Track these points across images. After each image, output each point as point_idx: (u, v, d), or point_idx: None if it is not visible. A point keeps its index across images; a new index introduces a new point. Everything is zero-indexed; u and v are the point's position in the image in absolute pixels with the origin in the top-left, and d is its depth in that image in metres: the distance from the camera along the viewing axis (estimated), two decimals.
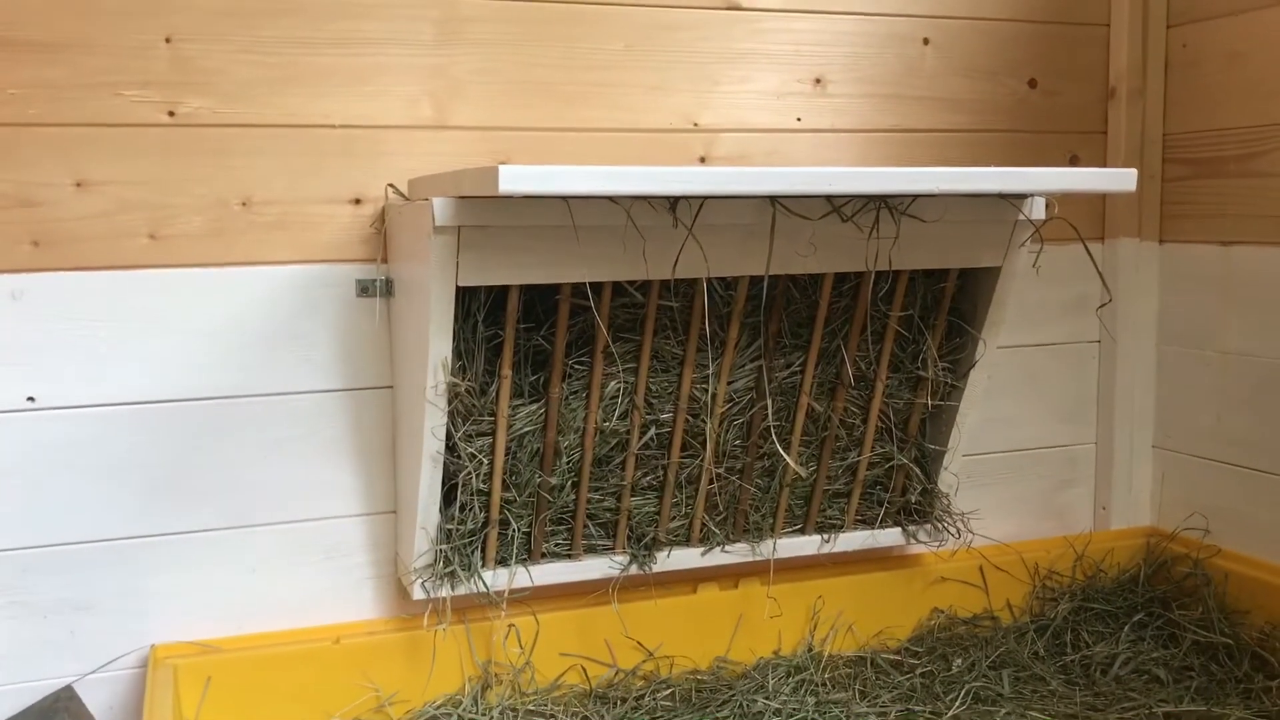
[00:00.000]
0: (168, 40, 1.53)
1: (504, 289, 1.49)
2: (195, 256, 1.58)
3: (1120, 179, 1.44)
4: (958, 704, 1.74)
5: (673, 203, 1.42)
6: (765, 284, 1.56)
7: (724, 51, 1.79)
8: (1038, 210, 1.65)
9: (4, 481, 1.52)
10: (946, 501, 1.84)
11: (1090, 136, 2.03)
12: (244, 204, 1.59)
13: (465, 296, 1.48)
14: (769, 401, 1.65)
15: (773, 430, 1.66)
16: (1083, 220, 2.03)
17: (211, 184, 1.57)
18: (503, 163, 1.67)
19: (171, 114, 1.55)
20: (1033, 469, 2.09)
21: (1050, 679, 1.84)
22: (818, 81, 1.84)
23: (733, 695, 1.77)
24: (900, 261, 1.60)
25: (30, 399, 1.53)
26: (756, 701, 1.75)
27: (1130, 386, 2.07)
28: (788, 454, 1.67)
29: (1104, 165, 2.03)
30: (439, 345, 1.45)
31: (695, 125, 1.79)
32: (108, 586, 1.59)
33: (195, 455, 1.60)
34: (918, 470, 1.80)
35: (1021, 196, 1.61)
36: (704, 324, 1.57)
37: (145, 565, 1.60)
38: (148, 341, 1.57)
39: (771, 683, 1.79)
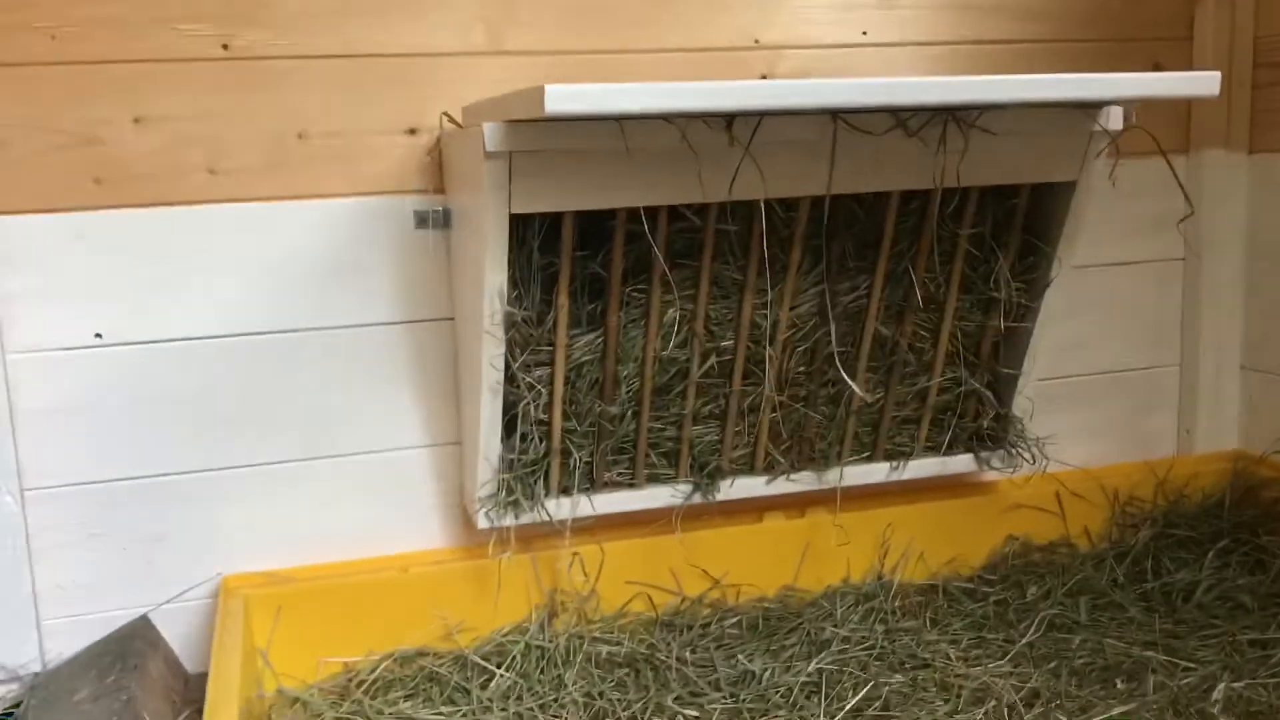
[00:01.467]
0: None
1: (558, 216, 1.46)
2: (254, 190, 1.58)
3: (1202, 83, 1.36)
4: (1032, 631, 1.71)
5: (729, 120, 1.38)
6: (826, 205, 1.51)
7: None
8: (1114, 121, 1.57)
9: (76, 418, 1.55)
10: (1020, 427, 1.79)
11: (1174, 44, 1.93)
12: (300, 136, 1.58)
13: (520, 225, 1.45)
14: (833, 327, 1.61)
15: (837, 356, 1.62)
16: (1165, 131, 1.94)
17: (267, 117, 1.57)
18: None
19: (225, 47, 1.54)
20: (1114, 393, 2.02)
21: (1129, 606, 1.79)
22: None
23: (800, 623, 1.75)
24: (969, 177, 1.54)
25: (98, 335, 1.55)
26: (825, 629, 1.73)
27: (1216, 305, 1.99)
28: (853, 380, 1.63)
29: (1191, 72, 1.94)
30: (494, 274, 1.43)
31: (757, 42, 1.74)
32: (180, 519, 1.62)
33: (260, 389, 1.62)
34: (990, 395, 1.75)
35: (1097, 106, 1.54)
36: (764, 248, 1.53)
37: (216, 498, 1.63)
38: (209, 277, 1.58)
39: (840, 611, 1.78)
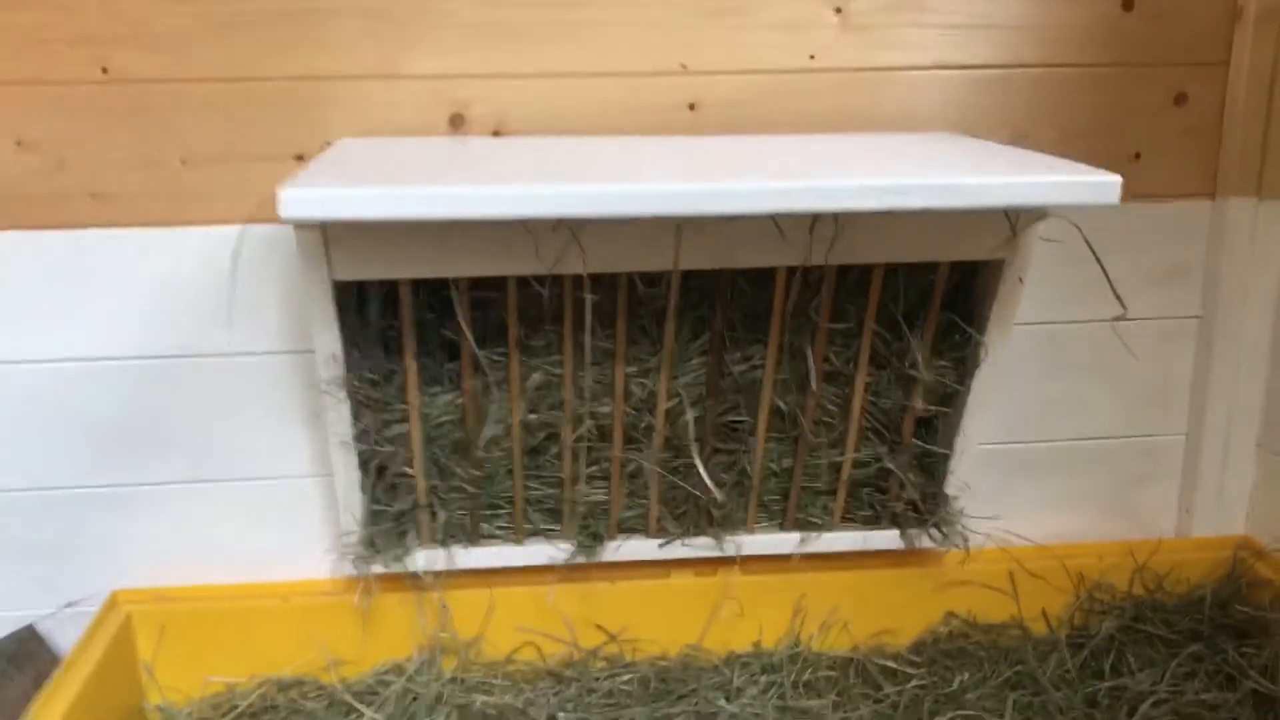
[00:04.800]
0: None
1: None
2: (137, 216, 1.55)
3: (1101, 190, 1.14)
4: None
5: None
6: (676, 281, 1.37)
7: None
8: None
9: None
10: (952, 508, 1.62)
11: (1205, 69, 1.63)
12: (184, 162, 1.53)
13: (356, 286, 1.38)
14: (691, 420, 1.48)
15: (695, 450, 1.49)
16: (1189, 173, 1.68)
17: (149, 142, 1.52)
18: (458, 114, 1.55)
19: (105, 70, 1.49)
20: (1106, 461, 1.80)
21: (1066, 712, 1.62)
22: (838, 10, 1.56)
23: (693, 690, 1.66)
24: (865, 254, 1.36)
25: None
26: (716, 700, 1.64)
27: (1234, 372, 1.72)
28: (704, 468, 1.50)
29: (1222, 106, 1.64)
30: (325, 340, 1.37)
31: (684, 67, 1.56)
32: (74, 532, 1.65)
33: (149, 411, 1.62)
34: (912, 477, 1.58)
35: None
36: (627, 320, 1.40)
37: (110, 513, 1.65)
38: (96, 300, 1.57)
39: (737, 681, 1.67)
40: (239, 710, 1.63)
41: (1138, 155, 1.65)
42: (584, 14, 1.53)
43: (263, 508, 1.67)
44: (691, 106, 1.58)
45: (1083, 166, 1.19)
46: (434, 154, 1.36)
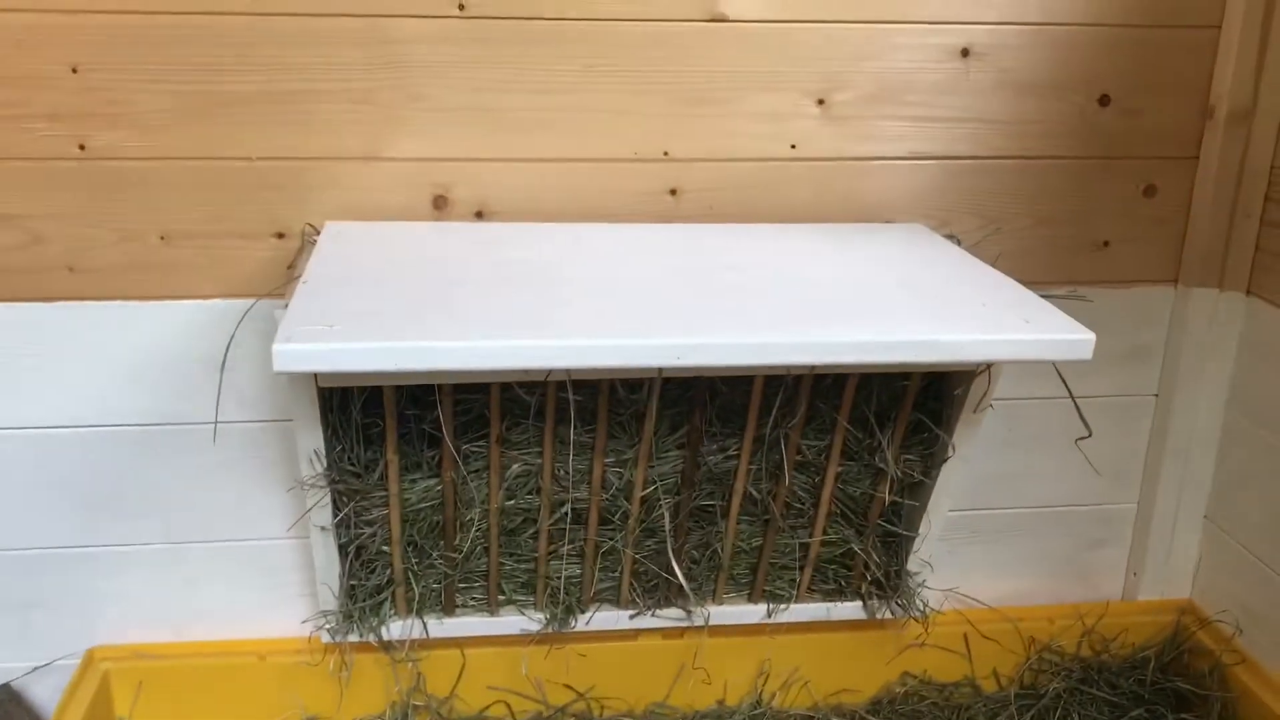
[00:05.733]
0: (74, 70, 1.44)
1: None
2: (115, 289, 1.55)
3: (1073, 348, 1.18)
4: None
5: None
6: (654, 393, 1.40)
7: (703, 71, 1.54)
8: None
9: None
10: (916, 582, 1.68)
11: (1174, 163, 1.67)
12: (162, 238, 1.53)
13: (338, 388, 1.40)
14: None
15: (672, 549, 1.54)
16: (1155, 261, 1.72)
17: (128, 217, 1.52)
18: (441, 196, 1.55)
19: (82, 147, 1.48)
20: (1059, 527, 1.86)
21: None
22: (820, 102, 1.57)
23: None
24: (841, 363, 1.40)
25: None
26: None
27: (1186, 449, 1.79)
28: (676, 562, 1.55)
29: (1189, 199, 1.68)
30: (307, 438, 1.39)
31: (666, 154, 1.57)
32: (53, 589, 1.67)
33: (131, 476, 1.63)
34: (876, 557, 1.64)
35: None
36: (608, 419, 1.44)
37: (89, 572, 1.67)
38: (75, 369, 1.57)
39: None
40: None
41: (1106, 243, 1.69)
42: (568, 100, 1.53)
43: (240, 568, 1.70)
44: (673, 192, 1.60)
45: (1058, 318, 1.22)
46: (419, 259, 1.36)
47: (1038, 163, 1.65)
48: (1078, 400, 1.55)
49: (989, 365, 1.42)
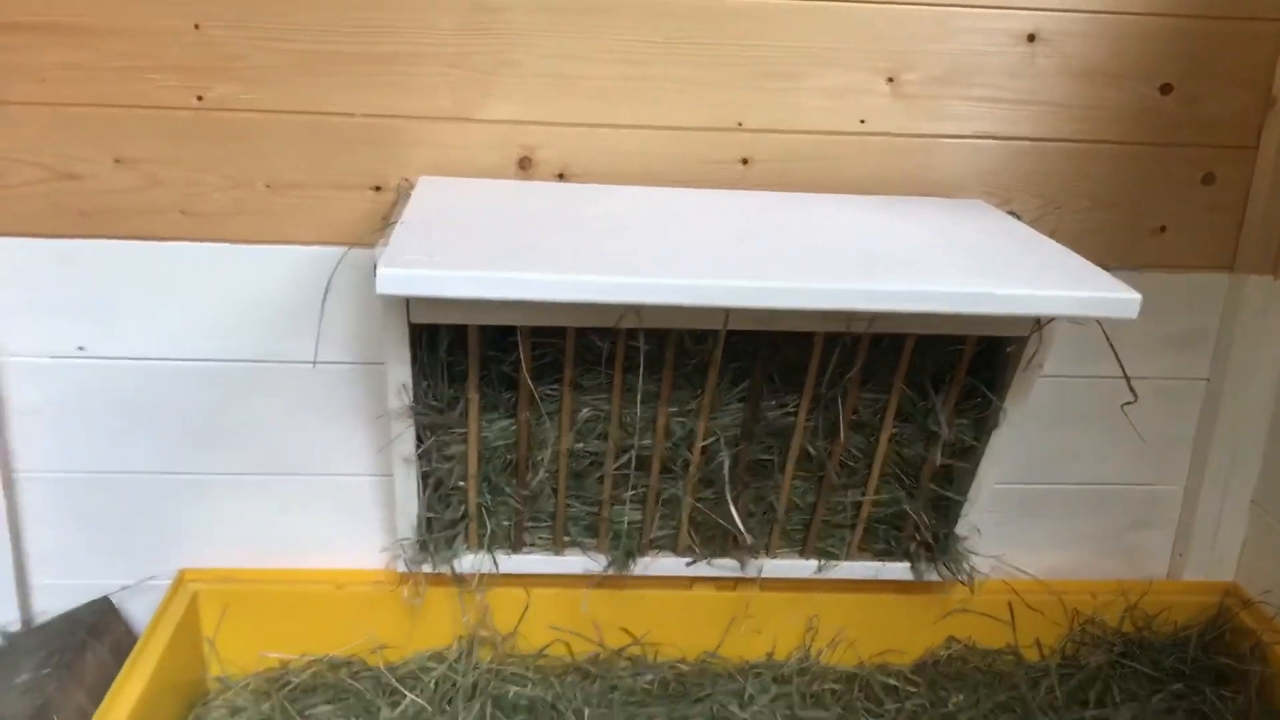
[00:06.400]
0: (196, 26, 1.57)
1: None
2: (223, 232, 1.67)
3: (1119, 306, 1.25)
4: None
5: None
6: (719, 344, 1.48)
7: (779, 46, 1.62)
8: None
9: (60, 417, 1.73)
10: (963, 548, 1.74)
11: (1233, 152, 1.72)
12: (268, 186, 1.65)
13: (428, 326, 1.50)
14: (727, 465, 1.60)
15: (730, 501, 1.61)
16: (1210, 248, 1.77)
17: (237, 165, 1.64)
18: (526, 158, 1.65)
19: (200, 99, 1.60)
20: (1107, 505, 1.92)
21: None
22: (890, 80, 1.65)
23: (709, 695, 1.81)
24: (899, 326, 1.47)
25: (80, 348, 1.70)
26: (729, 707, 1.79)
27: (1235, 433, 1.84)
28: (735, 511, 1.63)
29: (1248, 188, 1.73)
30: (397, 372, 1.49)
31: (739, 125, 1.66)
32: (152, 512, 1.79)
33: (228, 409, 1.75)
34: (926, 519, 1.71)
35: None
36: (674, 370, 1.53)
37: (186, 497, 1.79)
38: (181, 306, 1.69)
39: (750, 690, 1.82)
40: (291, 685, 1.78)
41: (1163, 229, 1.75)
42: (648, 71, 1.62)
43: (323, 501, 1.81)
44: (744, 161, 1.68)
45: (1105, 278, 1.29)
46: (506, 211, 1.46)
47: (1098, 147, 1.71)
48: (1129, 379, 1.62)
49: (1039, 326, 1.48)
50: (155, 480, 1.78)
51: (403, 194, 1.63)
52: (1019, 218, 1.66)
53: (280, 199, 1.66)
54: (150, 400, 1.74)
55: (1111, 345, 1.48)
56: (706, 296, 1.22)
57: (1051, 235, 1.69)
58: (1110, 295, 1.25)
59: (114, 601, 1.81)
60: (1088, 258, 1.68)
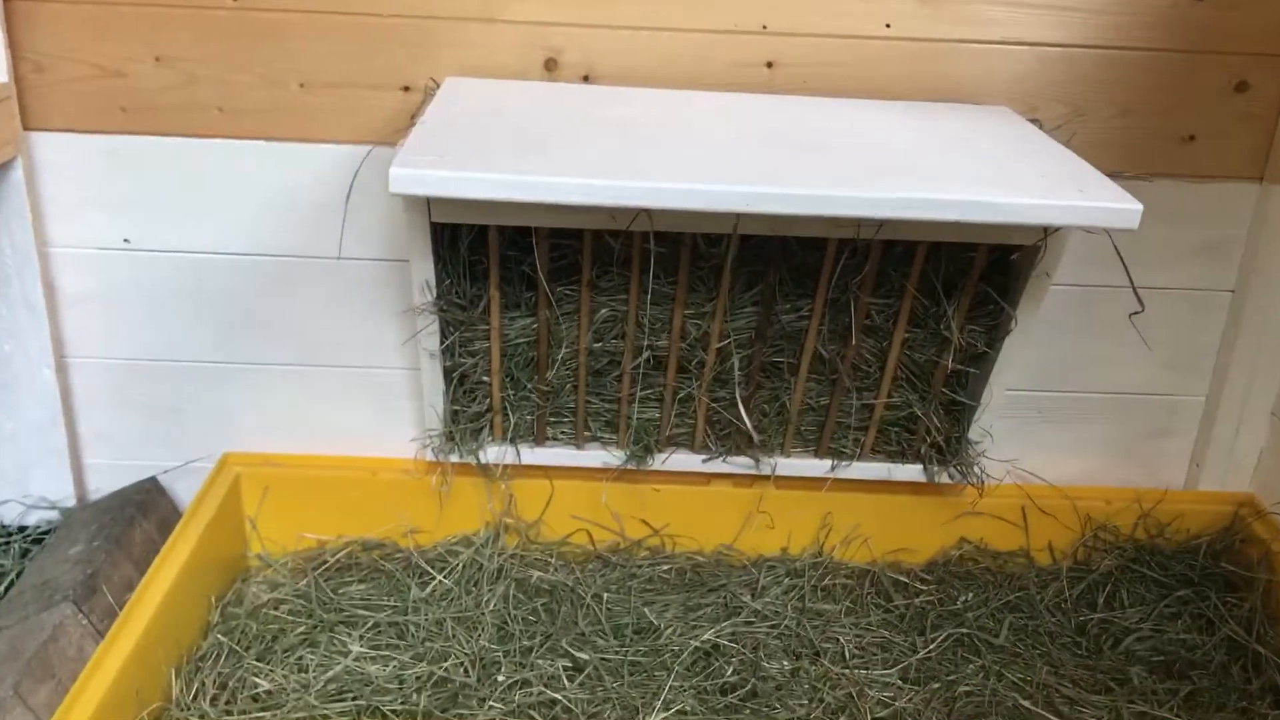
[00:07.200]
0: None
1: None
2: (259, 130, 1.72)
3: (1120, 216, 1.26)
4: (934, 646, 1.77)
5: None
6: (731, 248, 1.51)
7: None
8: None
9: (107, 306, 1.82)
10: (974, 451, 1.78)
11: (1269, 60, 1.69)
12: (302, 85, 1.69)
13: (449, 226, 1.55)
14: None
15: (740, 401, 1.65)
16: (1240, 157, 1.75)
17: (271, 65, 1.68)
18: (552, 59, 1.68)
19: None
20: (1126, 414, 1.94)
21: (1054, 638, 1.81)
22: None
23: (723, 585, 1.88)
24: (911, 234, 1.49)
25: (126, 240, 1.78)
26: (742, 596, 1.86)
27: (1258, 343, 1.83)
28: (745, 411, 1.67)
29: None
30: (420, 269, 1.55)
31: (764, 28, 1.67)
32: (196, 398, 1.89)
33: (266, 301, 1.82)
34: (938, 422, 1.74)
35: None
36: (689, 272, 1.56)
37: (228, 385, 1.88)
38: (221, 200, 1.76)
39: (763, 581, 1.89)
40: (327, 564, 1.88)
41: (1191, 137, 1.74)
42: None
43: (358, 392, 1.89)
44: (769, 65, 1.69)
45: (1110, 188, 1.30)
46: (527, 112, 1.49)
47: (1128, 53, 1.69)
48: (1147, 295, 1.62)
49: (1046, 235, 1.49)
50: (198, 368, 1.87)
51: (429, 94, 1.67)
52: (1040, 125, 1.66)
53: (313, 98, 1.70)
54: (193, 292, 1.82)
55: (1119, 254, 1.49)
56: (712, 201, 1.25)
57: (1073, 143, 1.69)
58: (1112, 205, 1.26)
59: (161, 482, 1.92)
60: (1113, 166, 1.68)
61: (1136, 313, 1.64)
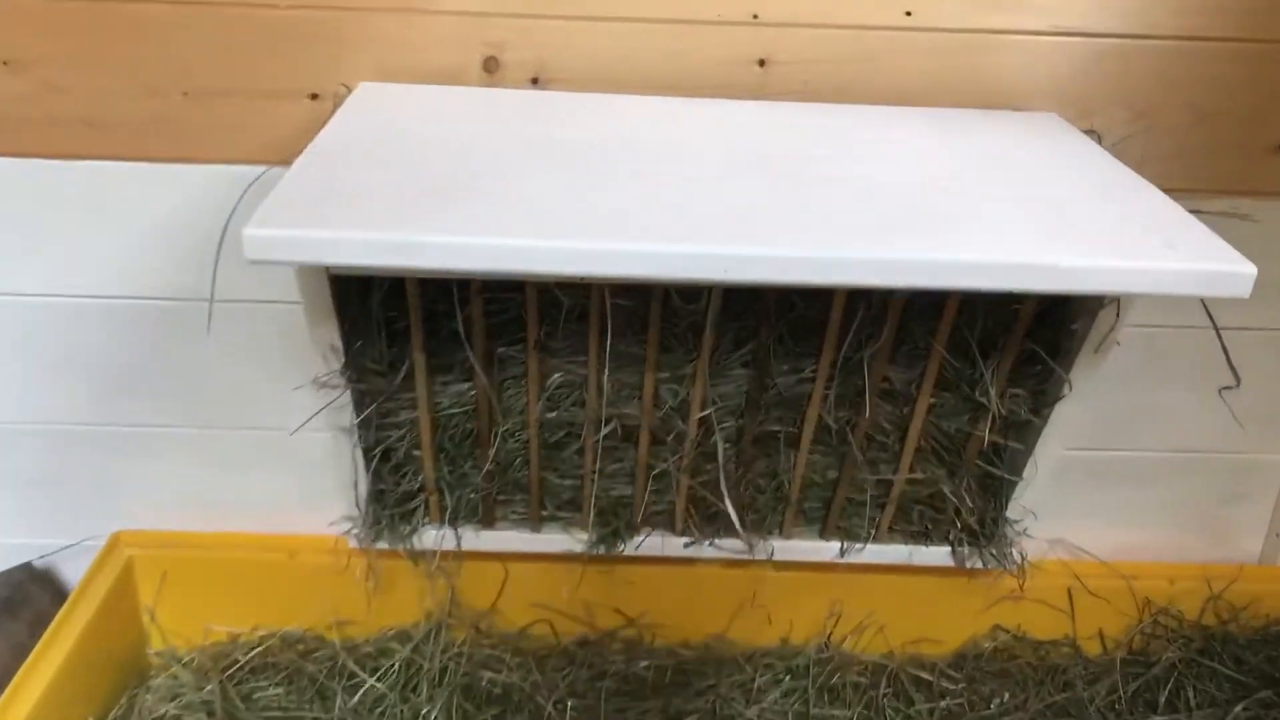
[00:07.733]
0: None
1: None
2: (137, 149, 1.40)
3: (1228, 282, 0.94)
4: None
5: None
6: (713, 305, 1.20)
7: None
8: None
9: None
10: (1015, 531, 1.47)
11: None
12: (186, 94, 1.37)
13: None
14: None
15: (724, 478, 1.35)
16: None
17: (150, 70, 1.36)
18: (492, 58, 1.36)
19: None
20: (1193, 475, 1.62)
21: None
22: None
23: (711, 686, 1.58)
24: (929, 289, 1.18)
25: None
26: (734, 702, 1.55)
27: None
28: (729, 503, 1.36)
29: None
30: (322, 332, 1.23)
31: (755, 17, 1.34)
32: (78, 468, 1.59)
33: (155, 352, 1.51)
34: (969, 501, 1.43)
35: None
36: (662, 328, 1.25)
37: (115, 451, 1.58)
38: (94, 235, 1.44)
39: (759, 683, 1.58)
40: (240, 664, 1.58)
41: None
42: None
43: (270, 459, 1.58)
44: (761, 63, 1.37)
45: (1213, 243, 0.98)
46: (455, 131, 1.17)
47: (1204, 45, 1.36)
48: (1226, 336, 1.31)
49: (1120, 301, 1.18)
50: (82, 432, 1.56)
51: (340, 103, 1.35)
52: (1099, 139, 1.34)
53: (201, 109, 1.38)
54: (67, 343, 1.50)
55: (1212, 319, 1.17)
56: (681, 268, 0.93)
57: (1139, 158, 1.37)
58: (1216, 268, 0.94)
59: (39, 567, 1.62)
60: (1185, 184, 1.37)
61: (1229, 388, 1.32)
